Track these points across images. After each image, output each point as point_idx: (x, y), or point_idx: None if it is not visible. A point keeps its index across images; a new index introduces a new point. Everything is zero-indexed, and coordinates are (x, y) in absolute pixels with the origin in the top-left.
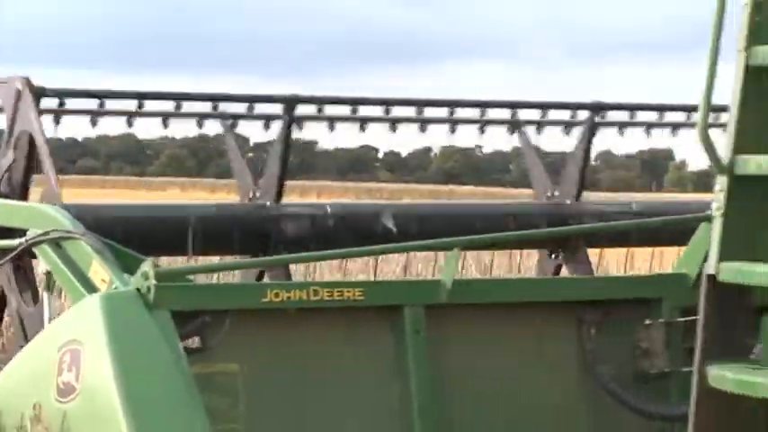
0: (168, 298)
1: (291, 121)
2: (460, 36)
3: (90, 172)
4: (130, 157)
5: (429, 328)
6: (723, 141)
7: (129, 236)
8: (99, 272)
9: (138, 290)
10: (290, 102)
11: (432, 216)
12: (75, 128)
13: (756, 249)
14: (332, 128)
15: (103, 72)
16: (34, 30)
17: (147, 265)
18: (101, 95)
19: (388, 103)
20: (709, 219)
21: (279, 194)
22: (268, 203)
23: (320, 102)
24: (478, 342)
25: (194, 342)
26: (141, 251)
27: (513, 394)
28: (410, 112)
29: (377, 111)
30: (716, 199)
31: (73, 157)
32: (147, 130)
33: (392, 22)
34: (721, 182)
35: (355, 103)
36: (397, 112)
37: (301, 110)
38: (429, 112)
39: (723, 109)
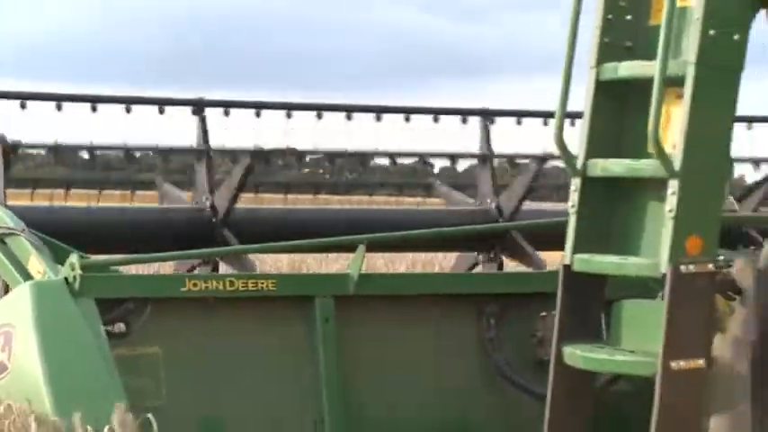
0: (92, 287)
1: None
2: (518, 51)
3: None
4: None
5: (338, 316)
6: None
7: (65, 233)
8: (36, 265)
9: (65, 279)
10: (198, 104)
11: (344, 219)
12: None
13: (605, 242)
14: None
15: (152, 85)
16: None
17: (73, 257)
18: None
19: (288, 107)
20: None
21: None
22: (207, 208)
23: (226, 105)
24: (384, 330)
25: (120, 327)
26: (81, 248)
27: (416, 377)
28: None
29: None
30: (571, 198)
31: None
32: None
33: (451, 37)
34: (575, 183)
35: (259, 106)
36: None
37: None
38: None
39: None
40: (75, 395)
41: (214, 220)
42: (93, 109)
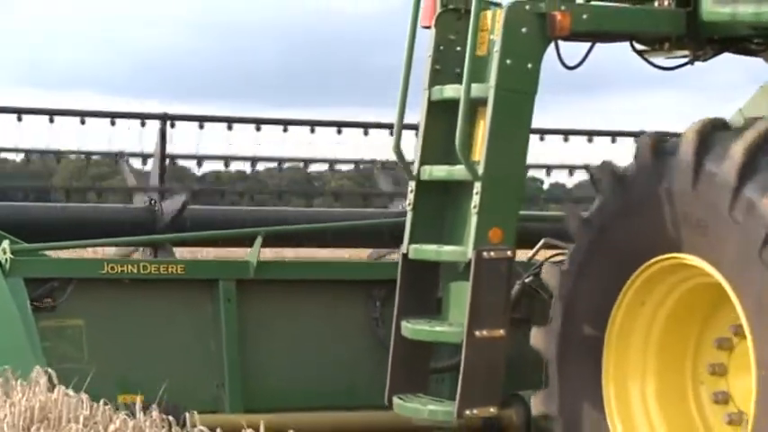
0: (21, 268)
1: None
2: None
3: None
4: None
5: (239, 297)
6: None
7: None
8: None
9: (0, 263)
10: (163, 118)
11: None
12: None
13: (435, 234)
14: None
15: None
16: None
17: (5, 243)
18: None
19: (259, 121)
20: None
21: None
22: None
23: (189, 119)
24: (280, 310)
25: (47, 302)
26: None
27: (309, 351)
28: None
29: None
30: (408, 198)
31: None
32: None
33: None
34: (411, 185)
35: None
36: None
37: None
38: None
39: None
40: (2, 355)
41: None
42: (51, 120)
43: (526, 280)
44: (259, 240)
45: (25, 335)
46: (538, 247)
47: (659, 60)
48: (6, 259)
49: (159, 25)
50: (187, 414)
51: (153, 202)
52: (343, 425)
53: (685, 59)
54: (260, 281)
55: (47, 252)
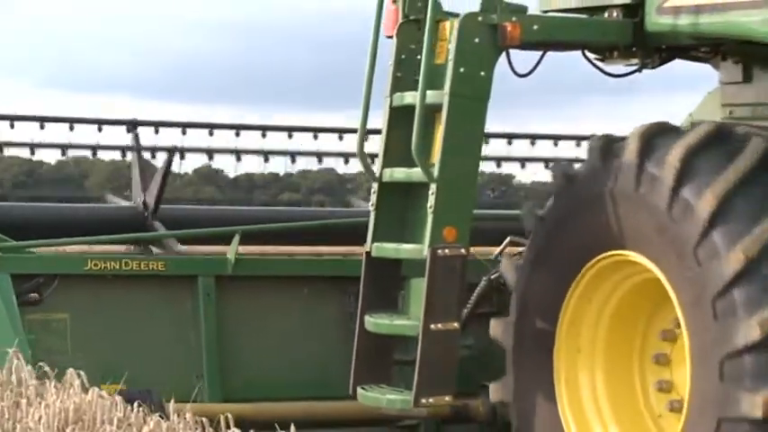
0: (8, 264)
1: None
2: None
3: None
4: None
5: (218, 293)
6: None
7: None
8: None
9: None
10: (132, 124)
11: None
12: None
13: (397, 233)
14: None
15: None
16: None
17: None
18: None
19: (212, 126)
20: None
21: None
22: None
23: (156, 125)
24: (258, 304)
25: (34, 297)
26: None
27: (285, 342)
28: None
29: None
30: (371, 198)
31: None
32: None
33: None
34: (375, 187)
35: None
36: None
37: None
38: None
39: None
40: None
41: (146, 214)
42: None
43: (492, 276)
44: (236, 238)
45: (10, 326)
46: (504, 244)
47: (616, 68)
48: None
49: (190, 29)
50: (165, 402)
51: (145, 203)
52: (318, 414)
53: (635, 67)
54: (238, 277)
55: (35, 249)
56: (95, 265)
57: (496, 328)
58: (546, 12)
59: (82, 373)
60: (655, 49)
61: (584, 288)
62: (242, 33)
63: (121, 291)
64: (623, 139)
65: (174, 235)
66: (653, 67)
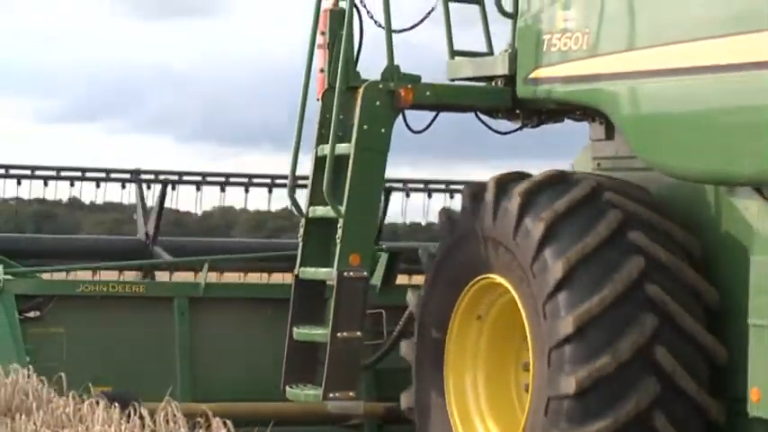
0: (12, 286)
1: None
2: None
3: None
4: None
5: (191, 312)
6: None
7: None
8: None
9: None
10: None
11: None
12: None
13: (319, 259)
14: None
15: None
16: None
17: (0, 267)
18: None
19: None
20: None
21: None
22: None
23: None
24: (226, 322)
25: (35, 313)
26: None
27: (250, 354)
28: None
29: None
30: (300, 231)
31: None
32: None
33: None
34: (302, 222)
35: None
36: None
37: None
38: None
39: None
40: None
41: (147, 242)
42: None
43: None
44: (206, 266)
45: (11, 338)
46: None
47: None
48: (1, 279)
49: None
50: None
51: (147, 235)
52: (272, 414)
53: (519, 125)
54: (208, 298)
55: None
56: (86, 288)
57: (404, 347)
58: (453, 79)
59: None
60: (533, 110)
61: (465, 308)
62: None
63: (109, 309)
64: (486, 184)
65: (149, 263)
66: (532, 127)
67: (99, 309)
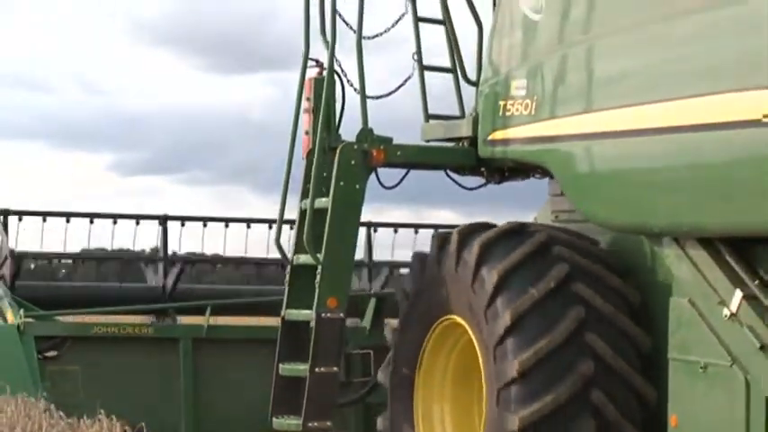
0: (32, 329)
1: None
2: None
3: None
4: None
5: (195, 351)
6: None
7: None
8: (9, 316)
9: (18, 325)
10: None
11: None
12: None
13: (303, 302)
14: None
15: None
16: None
17: (21, 312)
18: None
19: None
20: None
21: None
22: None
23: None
24: (226, 360)
25: (52, 353)
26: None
27: (249, 391)
28: None
29: None
30: (286, 277)
31: None
32: None
33: None
34: (288, 268)
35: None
36: None
37: None
38: None
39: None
40: (14, 389)
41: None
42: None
43: None
44: (209, 309)
45: (29, 376)
46: None
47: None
48: (22, 323)
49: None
50: None
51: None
52: None
53: (484, 181)
54: (210, 339)
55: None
56: (99, 329)
57: (381, 374)
58: (427, 140)
59: None
60: (496, 168)
61: (432, 344)
62: None
63: (120, 349)
64: (451, 234)
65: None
66: (496, 183)
67: (111, 349)
